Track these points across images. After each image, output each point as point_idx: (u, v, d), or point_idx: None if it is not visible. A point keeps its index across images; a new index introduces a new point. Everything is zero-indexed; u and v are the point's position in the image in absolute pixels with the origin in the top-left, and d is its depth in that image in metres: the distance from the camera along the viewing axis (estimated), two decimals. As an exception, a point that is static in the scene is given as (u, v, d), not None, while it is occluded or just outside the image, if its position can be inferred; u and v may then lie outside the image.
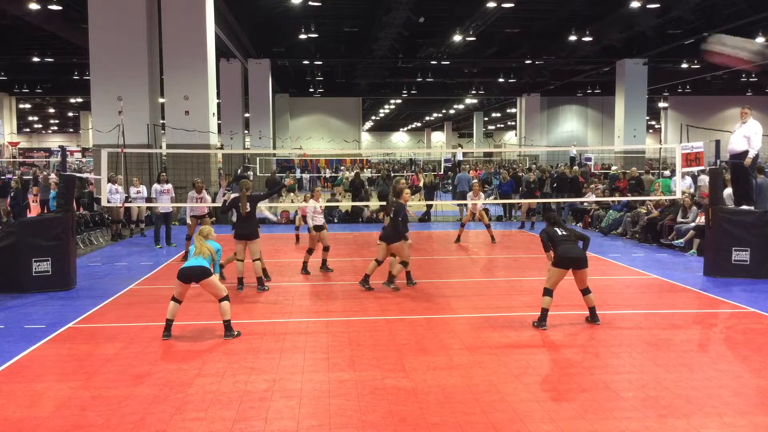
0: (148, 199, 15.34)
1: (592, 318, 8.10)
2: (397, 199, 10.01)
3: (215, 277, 7.57)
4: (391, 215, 9.96)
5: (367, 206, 20.39)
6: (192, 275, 7.44)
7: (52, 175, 22.49)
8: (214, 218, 19.71)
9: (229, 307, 7.52)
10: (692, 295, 9.78)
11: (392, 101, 55.93)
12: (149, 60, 19.30)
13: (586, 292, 8.07)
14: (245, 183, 10.34)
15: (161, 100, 20.49)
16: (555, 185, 20.58)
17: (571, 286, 10.39)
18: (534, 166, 32.37)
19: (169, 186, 15.22)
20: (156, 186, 14.92)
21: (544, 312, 7.89)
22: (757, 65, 33.40)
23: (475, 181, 18.81)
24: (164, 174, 15.41)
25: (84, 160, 43.38)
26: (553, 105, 50.73)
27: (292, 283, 10.77)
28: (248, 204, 9.96)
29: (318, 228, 11.56)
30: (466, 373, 6.27)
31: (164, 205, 14.69)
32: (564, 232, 8.00)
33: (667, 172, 21.50)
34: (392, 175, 26.87)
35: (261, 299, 9.57)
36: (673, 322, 8.20)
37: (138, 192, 15.76)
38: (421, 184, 22.57)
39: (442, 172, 31.50)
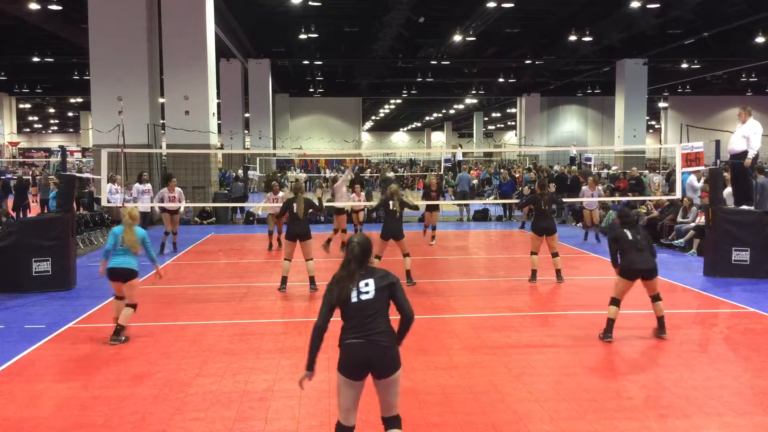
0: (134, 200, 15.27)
1: (660, 330, 7.42)
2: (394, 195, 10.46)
3: (137, 282, 7.39)
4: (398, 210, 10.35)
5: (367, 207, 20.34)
6: (118, 276, 7.30)
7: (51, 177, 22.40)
8: (213, 218, 19.78)
9: (131, 313, 7.32)
10: (692, 295, 9.78)
11: (392, 101, 55.91)
12: (149, 60, 19.29)
13: (656, 298, 7.45)
14: (299, 186, 10.42)
15: (161, 100, 20.48)
16: (554, 185, 20.55)
17: (571, 285, 10.41)
18: (532, 166, 32.36)
19: (149, 186, 15.21)
20: (137, 186, 14.90)
21: (610, 323, 7.30)
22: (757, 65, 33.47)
23: (590, 178, 17.06)
24: (145, 174, 15.42)
25: (84, 160, 43.36)
26: (553, 105, 50.70)
27: (292, 283, 10.76)
28: (303, 207, 9.94)
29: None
30: (466, 373, 6.27)
31: (145, 205, 14.78)
32: (636, 237, 7.25)
33: (646, 171, 21.67)
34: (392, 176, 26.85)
35: (261, 299, 9.56)
36: (673, 322, 8.19)
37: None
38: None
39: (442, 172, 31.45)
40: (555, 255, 10.46)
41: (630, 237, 7.25)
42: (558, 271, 10.45)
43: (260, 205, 14.73)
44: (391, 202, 10.38)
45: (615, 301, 7.35)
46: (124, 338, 7.30)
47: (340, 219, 13.91)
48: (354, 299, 4.08)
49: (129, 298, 7.37)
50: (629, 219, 7.52)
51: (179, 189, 14.20)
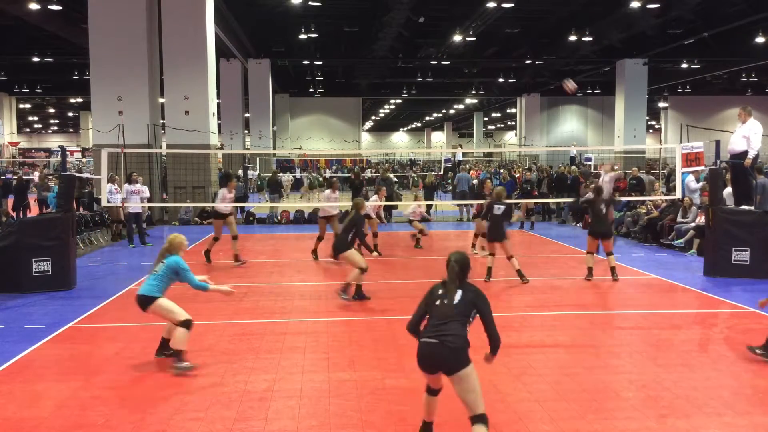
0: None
1: None
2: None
3: (161, 303, 6.43)
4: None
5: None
6: (138, 302, 6.54)
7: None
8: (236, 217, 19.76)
9: (185, 336, 6.35)
10: (692, 295, 9.78)
11: (392, 101, 55.93)
12: (149, 60, 19.29)
13: None
14: (358, 202, 9.83)
15: (161, 100, 20.49)
16: (554, 185, 20.61)
17: (571, 285, 10.40)
18: (534, 166, 32.34)
19: (140, 186, 15.15)
20: (127, 186, 14.87)
21: None
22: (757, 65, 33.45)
23: (613, 174, 15.83)
24: (135, 174, 15.36)
25: (84, 160, 43.36)
26: (553, 105, 50.71)
27: (292, 283, 10.77)
28: (347, 223, 9.44)
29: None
30: (466, 373, 6.25)
31: (136, 204, 14.73)
32: None
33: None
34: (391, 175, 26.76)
35: (261, 299, 9.56)
36: (673, 322, 8.20)
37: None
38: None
39: (441, 172, 31.44)
40: (609, 254, 10.80)
41: None
42: (613, 269, 10.71)
43: (322, 205, 13.70)
44: (496, 206, 10.81)
45: None
46: (186, 364, 6.24)
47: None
48: (438, 302, 4.59)
49: (168, 319, 6.51)
50: None
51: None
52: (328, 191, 13.62)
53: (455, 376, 4.44)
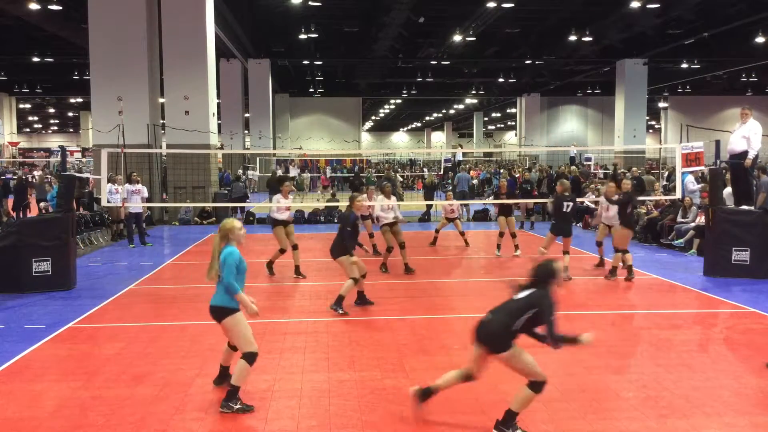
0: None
1: None
2: None
3: (236, 320, 5.53)
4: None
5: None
6: (212, 315, 5.63)
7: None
8: (213, 218, 19.78)
9: (246, 371, 5.43)
10: (692, 295, 9.78)
11: (392, 101, 55.93)
12: (149, 60, 19.28)
13: None
14: (352, 197, 9.11)
15: (161, 100, 20.49)
16: (554, 185, 20.55)
17: (572, 285, 10.40)
18: (534, 166, 32.30)
19: (140, 186, 15.13)
20: (127, 186, 14.86)
21: None
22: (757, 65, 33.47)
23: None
24: (135, 174, 15.35)
25: (84, 160, 43.35)
26: (553, 105, 50.69)
27: (293, 284, 10.77)
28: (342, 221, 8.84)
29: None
30: (466, 373, 6.26)
31: (136, 205, 14.72)
32: None
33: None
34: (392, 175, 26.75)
35: (261, 299, 9.55)
36: (674, 322, 8.20)
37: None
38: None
39: (442, 172, 31.45)
40: (625, 252, 10.91)
41: None
42: (630, 268, 10.82)
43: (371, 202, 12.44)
44: (565, 203, 10.96)
45: None
46: (239, 405, 5.32)
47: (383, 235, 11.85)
48: (511, 297, 5.04)
49: (236, 343, 5.57)
50: None
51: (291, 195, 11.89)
52: (381, 196, 12.34)
53: (496, 357, 4.88)
